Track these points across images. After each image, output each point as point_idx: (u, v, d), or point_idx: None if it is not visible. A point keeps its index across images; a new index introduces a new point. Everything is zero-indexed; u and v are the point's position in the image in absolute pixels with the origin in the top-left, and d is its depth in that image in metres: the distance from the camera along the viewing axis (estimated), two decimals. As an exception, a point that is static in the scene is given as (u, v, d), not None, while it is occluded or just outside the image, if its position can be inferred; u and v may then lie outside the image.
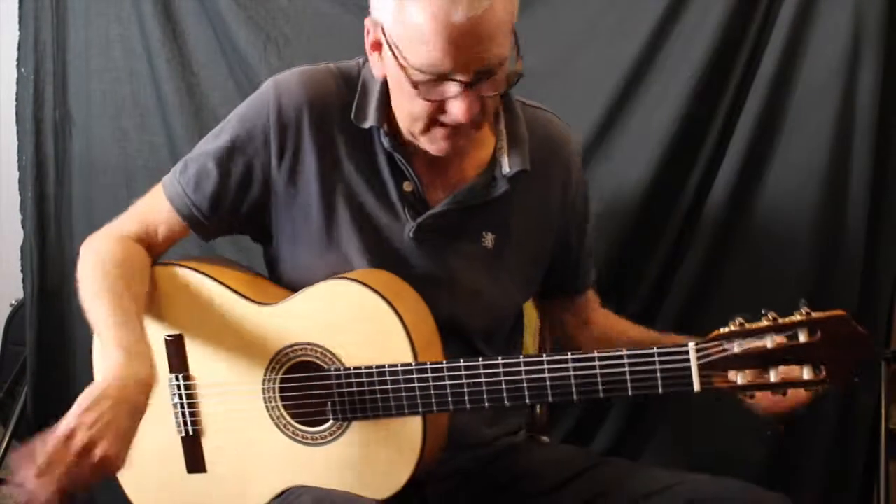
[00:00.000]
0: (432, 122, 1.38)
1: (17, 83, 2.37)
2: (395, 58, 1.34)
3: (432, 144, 1.41)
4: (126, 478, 1.57)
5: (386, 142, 1.45)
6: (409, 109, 1.39)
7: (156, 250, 1.55)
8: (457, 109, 1.35)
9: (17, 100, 2.38)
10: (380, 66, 1.41)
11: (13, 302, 2.76)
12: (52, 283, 2.37)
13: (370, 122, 1.45)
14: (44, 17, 2.33)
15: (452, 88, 1.33)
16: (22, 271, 2.41)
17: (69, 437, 1.24)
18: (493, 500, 1.54)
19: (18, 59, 2.36)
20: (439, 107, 1.36)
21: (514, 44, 1.36)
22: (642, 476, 1.48)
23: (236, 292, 1.49)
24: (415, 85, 1.34)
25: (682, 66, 1.99)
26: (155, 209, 1.55)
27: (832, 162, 1.94)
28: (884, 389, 2.01)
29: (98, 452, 1.25)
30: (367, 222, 1.48)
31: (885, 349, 2.02)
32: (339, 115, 1.47)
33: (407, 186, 1.48)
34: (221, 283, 1.51)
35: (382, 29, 1.35)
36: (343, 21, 2.15)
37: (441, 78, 1.33)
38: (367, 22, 1.39)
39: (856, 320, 1.23)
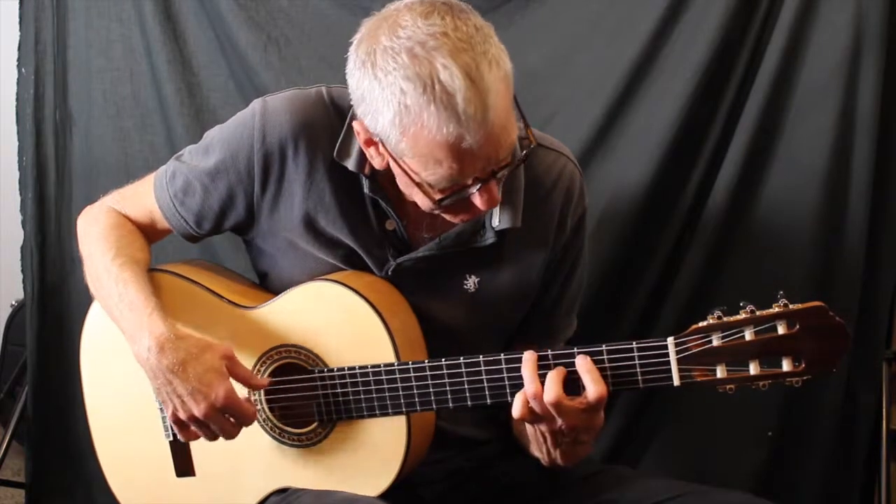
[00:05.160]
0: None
1: (18, 83, 2.36)
2: (406, 173, 1.31)
3: (454, 218, 1.37)
4: (116, 484, 1.58)
5: (366, 185, 1.41)
6: (424, 204, 1.35)
7: (149, 239, 1.58)
8: (479, 203, 1.32)
9: (17, 100, 2.36)
10: (378, 160, 1.36)
11: (13, 302, 2.76)
12: (52, 284, 2.37)
13: (351, 165, 1.41)
14: (44, 17, 2.32)
15: (472, 188, 1.30)
16: (22, 271, 2.40)
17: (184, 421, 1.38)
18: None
19: (18, 60, 2.35)
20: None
21: (518, 114, 1.31)
22: (642, 486, 1.47)
23: (219, 296, 1.50)
24: (434, 201, 1.31)
25: (682, 66, 1.98)
26: (147, 205, 1.57)
27: (832, 162, 1.94)
28: (885, 390, 2.01)
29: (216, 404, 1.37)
30: (349, 255, 1.47)
31: (885, 349, 2.02)
32: (326, 145, 1.43)
33: (389, 225, 1.46)
34: (205, 287, 1.52)
35: (382, 143, 1.30)
36: (344, 21, 2.14)
37: (460, 188, 1.30)
38: (354, 125, 1.34)
39: (834, 311, 1.24)
